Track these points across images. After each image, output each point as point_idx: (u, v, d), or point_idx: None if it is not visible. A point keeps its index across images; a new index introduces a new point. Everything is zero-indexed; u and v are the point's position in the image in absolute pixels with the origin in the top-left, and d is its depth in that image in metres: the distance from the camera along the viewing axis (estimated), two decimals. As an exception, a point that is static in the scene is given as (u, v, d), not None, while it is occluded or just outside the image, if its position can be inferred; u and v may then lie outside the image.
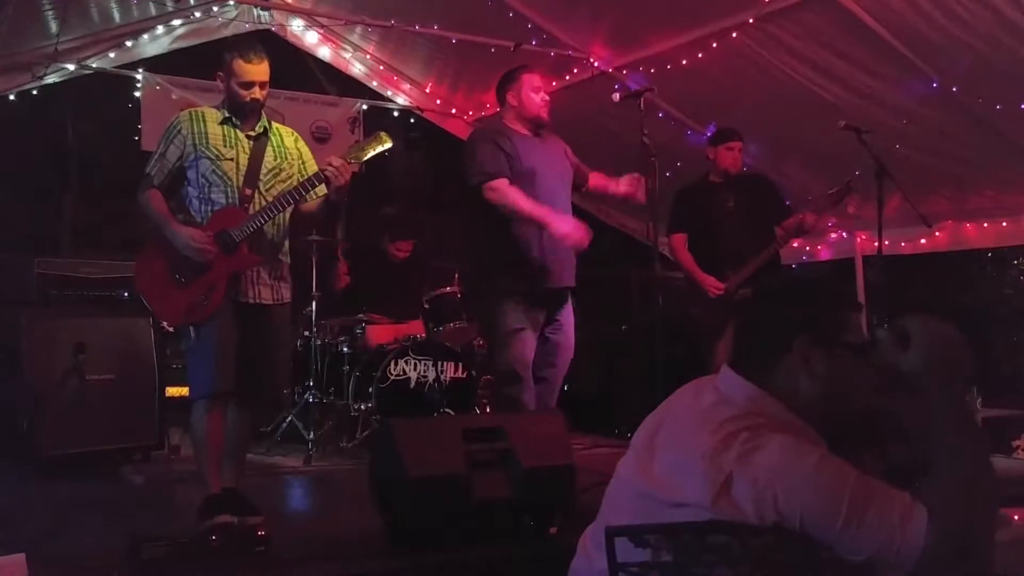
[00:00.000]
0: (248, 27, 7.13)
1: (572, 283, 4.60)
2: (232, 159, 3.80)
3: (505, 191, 4.36)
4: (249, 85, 3.82)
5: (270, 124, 3.97)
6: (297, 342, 6.45)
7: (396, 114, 8.13)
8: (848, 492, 1.61)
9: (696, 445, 1.71)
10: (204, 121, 3.84)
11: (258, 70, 3.84)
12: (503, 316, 4.44)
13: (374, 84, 8.04)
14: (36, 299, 5.16)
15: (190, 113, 3.88)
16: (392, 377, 5.94)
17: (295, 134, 4.09)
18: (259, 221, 3.76)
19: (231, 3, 6.96)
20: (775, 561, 1.63)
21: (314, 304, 6.11)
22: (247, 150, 3.85)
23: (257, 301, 3.82)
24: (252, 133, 3.89)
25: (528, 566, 3.43)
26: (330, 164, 3.75)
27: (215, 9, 6.97)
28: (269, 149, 3.91)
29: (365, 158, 3.91)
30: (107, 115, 7.05)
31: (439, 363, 6.10)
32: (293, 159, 3.99)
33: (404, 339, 6.13)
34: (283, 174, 3.93)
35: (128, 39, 6.80)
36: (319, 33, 7.67)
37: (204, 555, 3.38)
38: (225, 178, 3.78)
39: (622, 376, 5.48)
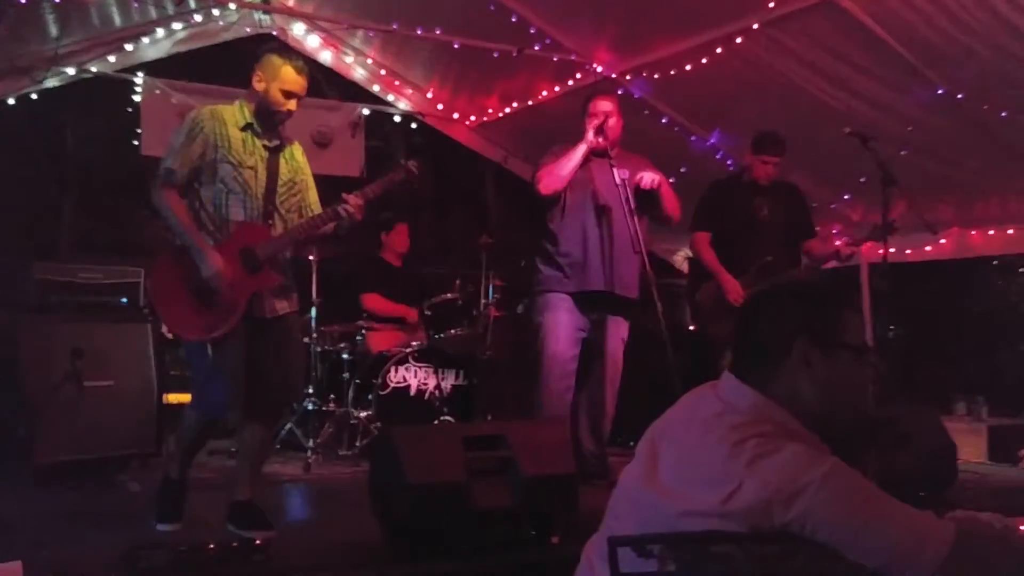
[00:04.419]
0: (249, 31, 7.12)
1: (619, 290, 4.91)
2: (252, 168, 3.73)
3: (547, 166, 4.90)
4: (291, 95, 3.75)
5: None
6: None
7: (397, 119, 8.09)
8: (860, 501, 1.61)
9: (704, 453, 1.70)
10: (224, 124, 3.73)
11: (303, 83, 3.79)
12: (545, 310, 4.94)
13: (375, 89, 8.01)
14: (34, 304, 5.12)
15: (210, 111, 3.76)
16: (392, 384, 5.91)
17: (300, 147, 4.03)
18: (284, 244, 3.76)
19: (232, 7, 6.93)
20: (780, 571, 1.62)
21: (314, 310, 6.07)
22: (264, 161, 3.78)
23: (275, 314, 3.80)
24: (269, 144, 3.81)
25: (529, 576, 3.40)
26: (348, 204, 3.74)
27: (216, 12, 6.94)
28: (283, 162, 3.85)
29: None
30: (107, 119, 7.03)
31: (440, 370, 6.08)
32: (305, 173, 3.96)
33: (404, 345, 6.10)
34: (295, 188, 3.89)
35: (128, 42, 6.76)
36: (320, 37, 7.65)
37: (201, 563, 3.35)
38: (245, 186, 3.71)
39: (626, 384, 5.44)
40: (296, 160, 3.92)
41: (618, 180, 4.68)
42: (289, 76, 3.72)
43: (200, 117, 3.72)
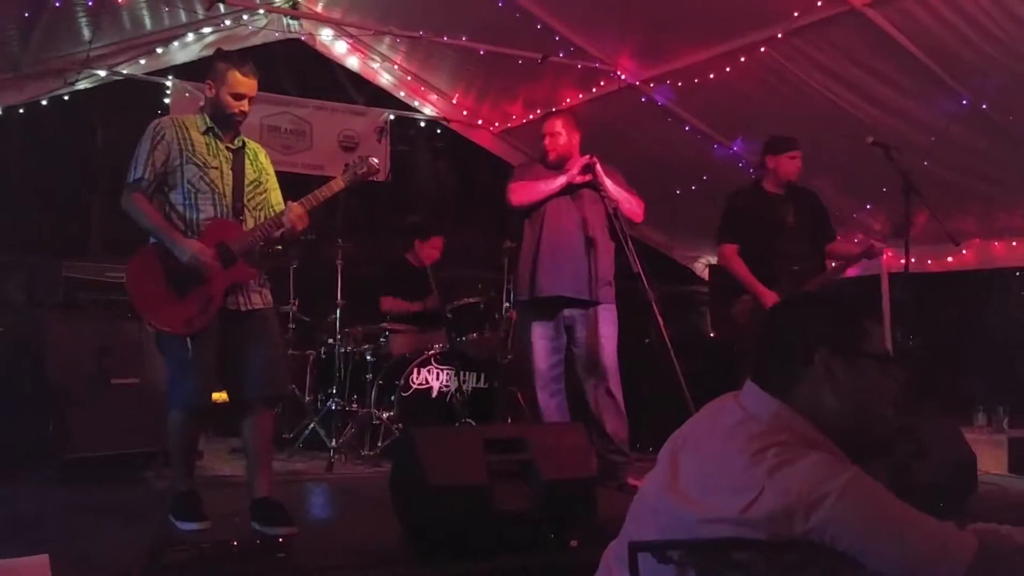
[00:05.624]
0: (278, 35, 7.18)
1: (575, 294, 4.96)
2: (217, 168, 3.88)
3: (522, 184, 5.07)
4: (240, 97, 3.91)
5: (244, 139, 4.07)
6: (322, 349, 6.48)
7: (423, 124, 8.14)
8: (881, 511, 1.60)
9: (725, 461, 1.70)
10: (187, 129, 3.90)
11: (251, 84, 3.94)
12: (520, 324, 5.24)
13: (401, 94, 8.06)
14: (62, 302, 5.18)
15: (171, 119, 3.97)
16: (415, 386, 5.95)
17: (264, 150, 4.18)
18: (258, 237, 3.86)
19: (261, 12, 7.01)
20: (800, 579, 1.61)
21: (338, 312, 6.12)
22: (229, 161, 3.94)
23: (249, 307, 3.91)
24: (231, 146, 3.97)
25: (548, 579, 3.41)
26: (290, 213, 3.86)
27: (245, 17, 7.02)
28: (247, 163, 4.00)
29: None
30: (136, 121, 7.01)
31: (461, 373, 6.11)
32: (269, 174, 4.10)
33: (427, 348, 6.14)
34: (261, 187, 4.04)
35: (159, 46, 6.85)
36: (348, 43, 7.71)
37: (225, 560, 3.39)
38: (212, 186, 3.85)
39: (644, 390, 5.45)
40: (260, 162, 4.08)
41: (610, 210, 4.82)
42: (236, 79, 3.88)
43: (161, 125, 3.91)
